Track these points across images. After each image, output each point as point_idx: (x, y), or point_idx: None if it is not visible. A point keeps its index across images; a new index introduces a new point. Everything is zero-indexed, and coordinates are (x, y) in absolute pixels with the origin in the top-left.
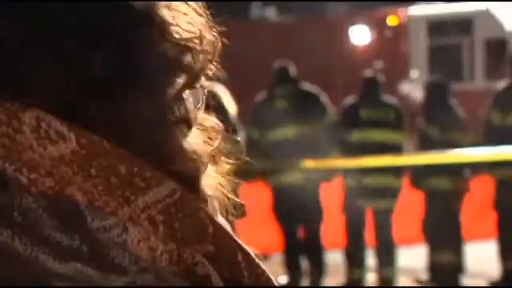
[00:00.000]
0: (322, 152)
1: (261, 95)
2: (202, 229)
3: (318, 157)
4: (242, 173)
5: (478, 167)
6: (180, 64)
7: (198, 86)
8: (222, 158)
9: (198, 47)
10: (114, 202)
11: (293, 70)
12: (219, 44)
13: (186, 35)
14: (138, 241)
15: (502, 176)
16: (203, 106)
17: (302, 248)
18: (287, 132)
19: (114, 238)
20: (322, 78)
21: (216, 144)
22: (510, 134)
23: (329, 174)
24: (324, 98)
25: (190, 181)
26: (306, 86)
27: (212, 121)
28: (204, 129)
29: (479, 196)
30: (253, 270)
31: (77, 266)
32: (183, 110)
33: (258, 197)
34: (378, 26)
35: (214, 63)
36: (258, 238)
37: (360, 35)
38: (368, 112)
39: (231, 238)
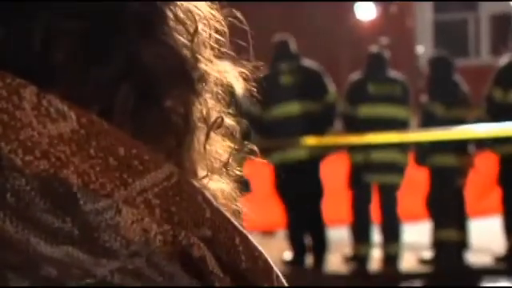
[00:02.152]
0: (323, 130)
1: (264, 70)
2: (199, 213)
3: (319, 134)
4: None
5: (482, 143)
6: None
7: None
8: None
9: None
10: (110, 184)
11: (293, 45)
12: (222, 24)
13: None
14: (132, 222)
15: (505, 152)
16: (222, 100)
17: (305, 224)
18: (291, 109)
19: (106, 221)
20: (327, 53)
21: (231, 153)
22: (511, 111)
23: (331, 151)
24: (326, 76)
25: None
26: (308, 62)
27: (230, 125)
28: (222, 134)
29: (484, 172)
30: (250, 253)
31: (68, 250)
32: (204, 110)
33: (260, 174)
34: (384, 1)
35: (219, 42)
36: (262, 214)
37: (365, 11)
38: (376, 87)
39: (229, 221)
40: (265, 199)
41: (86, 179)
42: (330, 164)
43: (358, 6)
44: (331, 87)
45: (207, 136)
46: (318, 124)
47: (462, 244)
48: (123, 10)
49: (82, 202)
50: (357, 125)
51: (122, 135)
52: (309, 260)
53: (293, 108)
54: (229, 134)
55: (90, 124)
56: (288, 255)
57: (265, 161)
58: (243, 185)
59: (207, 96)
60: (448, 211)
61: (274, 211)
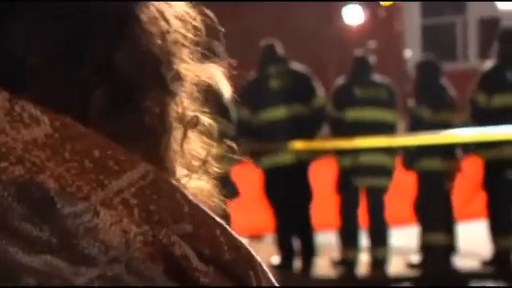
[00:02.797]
0: (312, 133)
1: (252, 74)
2: (177, 208)
3: (308, 138)
4: (233, 154)
5: (468, 147)
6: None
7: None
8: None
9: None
10: (87, 187)
11: (280, 49)
12: (200, 26)
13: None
14: (111, 224)
15: (489, 156)
16: (197, 99)
17: (294, 228)
18: (279, 113)
19: (84, 224)
20: (315, 57)
21: (209, 151)
22: (495, 115)
23: (319, 155)
24: (314, 79)
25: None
26: (297, 65)
27: (207, 123)
28: (200, 132)
29: (470, 176)
30: (232, 244)
31: (46, 259)
32: (180, 110)
33: (248, 178)
34: (372, 5)
35: (197, 45)
36: (250, 218)
37: (353, 15)
38: (362, 91)
39: (208, 215)
40: (253, 203)
41: (63, 183)
42: (317, 168)
43: (346, 10)
44: (320, 91)
45: (184, 135)
46: (307, 128)
47: (450, 248)
48: (98, 12)
49: (59, 206)
50: (344, 129)
51: (96, 137)
52: (297, 264)
53: (281, 112)
54: (207, 133)
55: (64, 127)
56: (276, 259)
57: (253, 164)
58: (231, 189)
59: (183, 95)
60: (435, 215)
61: (263, 215)
